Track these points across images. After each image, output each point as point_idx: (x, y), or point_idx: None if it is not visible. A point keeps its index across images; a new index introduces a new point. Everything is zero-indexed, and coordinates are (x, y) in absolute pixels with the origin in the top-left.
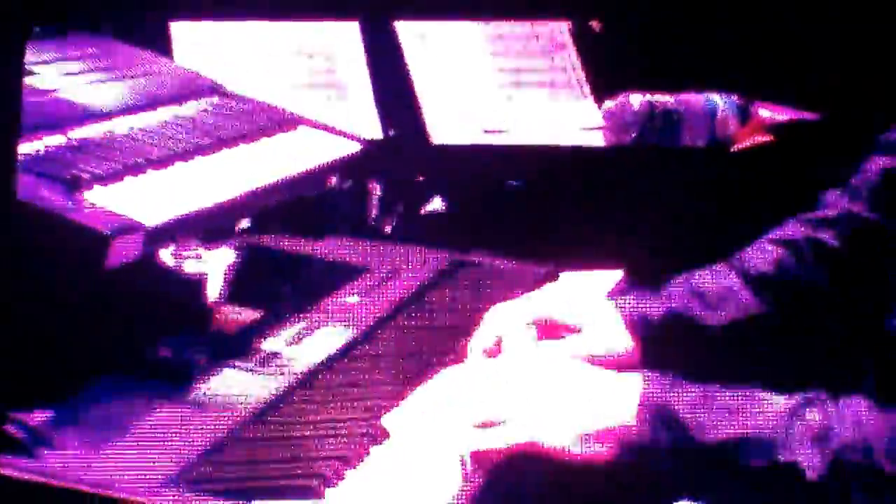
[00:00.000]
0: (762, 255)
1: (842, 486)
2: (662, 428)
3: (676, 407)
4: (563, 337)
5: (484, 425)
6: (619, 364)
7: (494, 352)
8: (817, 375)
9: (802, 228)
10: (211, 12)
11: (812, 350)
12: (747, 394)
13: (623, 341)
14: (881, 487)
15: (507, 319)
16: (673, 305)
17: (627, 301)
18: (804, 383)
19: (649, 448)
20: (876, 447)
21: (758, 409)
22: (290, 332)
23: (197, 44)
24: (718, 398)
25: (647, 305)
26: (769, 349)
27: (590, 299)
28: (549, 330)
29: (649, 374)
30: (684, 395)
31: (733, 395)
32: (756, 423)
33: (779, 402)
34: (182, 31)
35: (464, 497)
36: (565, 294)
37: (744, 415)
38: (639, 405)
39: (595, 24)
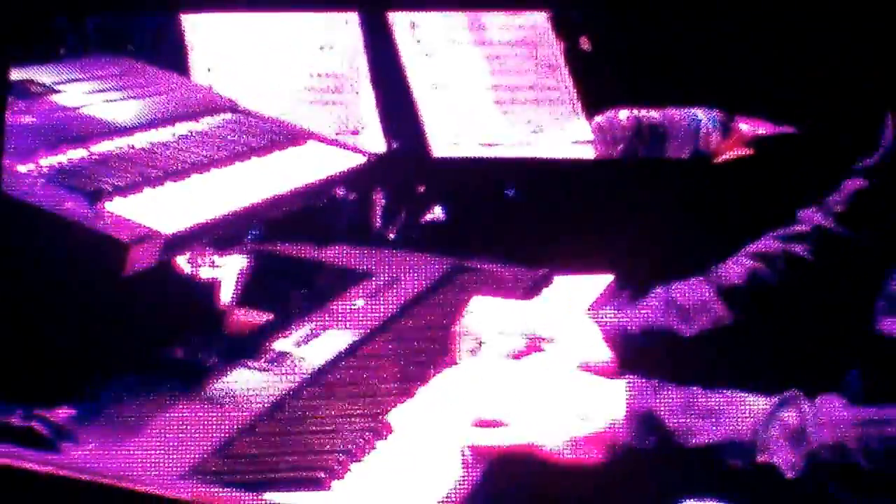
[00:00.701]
0: (737, 268)
1: (820, 484)
2: (648, 432)
3: (661, 412)
4: (541, 347)
5: (481, 424)
6: (596, 374)
7: (476, 350)
8: (790, 381)
9: (777, 243)
10: (216, 5)
11: (783, 357)
12: (727, 397)
13: (599, 352)
14: (860, 484)
15: (487, 322)
16: (650, 317)
17: (606, 313)
18: (778, 388)
19: (636, 451)
20: (852, 446)
21: (737, 412)
22: (298, 333)
23: (213, 67)
24: (700, 402)
25: (625, 317)
26: (741, 357)
27: (567, 311)
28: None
29: (633, 380)
30: (667, 400)
31: (714, 399)
32: (736, 426)
33: (757, 404)
34: (199, 55)
35: (461, 491)
36: (543, 305)
37: (724, 417)
38: (625, 411)
39: (585, 44)
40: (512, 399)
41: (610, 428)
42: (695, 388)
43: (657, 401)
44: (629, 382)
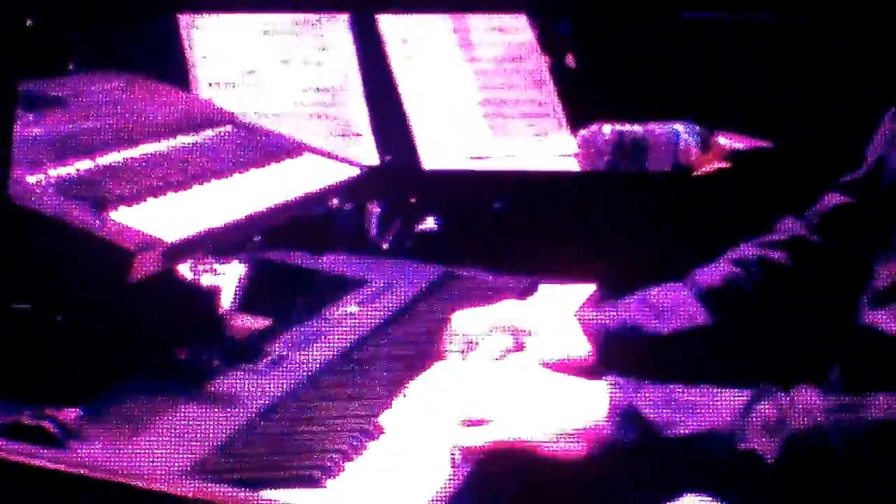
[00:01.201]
0: (715, 272)
1: (799, 469)
2: (630, 427)
3: (642, 407)
4: (523, 343)
5: (469, 423)
6: (577, 368)
7: (464, 352)
8: (765, 379)
9: (754, 249)
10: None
11: (758, 356)
12: (705, 391)
13: (580, 347)
14: (838, 469)
15: (472, 324)
16: (628, 316)
17: (588, 312)
18: (753, 384)
19: (619, 445)
20: (828, 431)
21: (715, 405)
22: (295, 338)
23: (214, 82)
24: (679, 397)
25: (605, 316)
26: (717, 355)
27: (549, 308)
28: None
29: (615, 378)
30: (648, 395)
31: (692, 394)
32: (715, 418)
33: (734, 398)
34: (201, 70)
35: (450, 489)
36: (527, 304)
37: (703, 411)
38: (608, 407)
39: (570, 61)
40: (497, 397)
41: (593, 423)
42: (674, 385)
43: (638, 396)
44: (610, 380)
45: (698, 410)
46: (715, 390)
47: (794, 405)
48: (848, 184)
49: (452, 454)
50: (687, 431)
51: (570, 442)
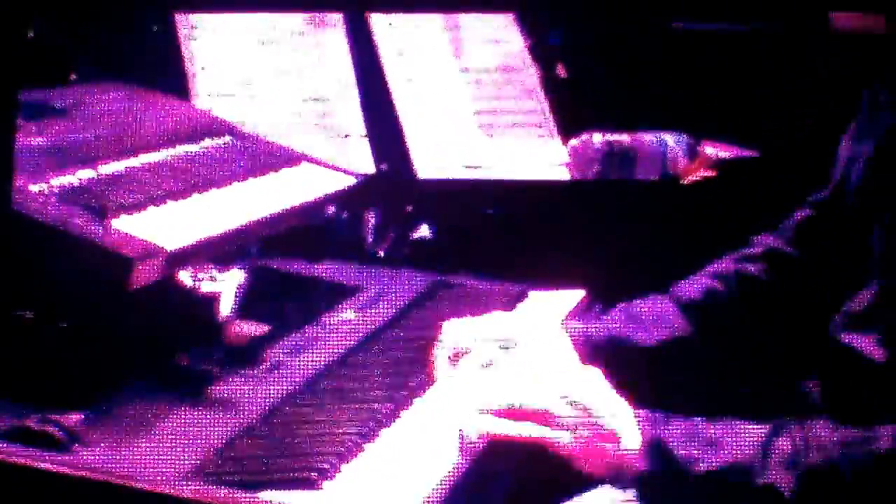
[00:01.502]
0: (695, 285)
1: (815, 500)
2: (657, 458)
3: (669, 441)
4: (512, 353)
5: (498, 414)
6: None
7: (455, 360)
8: (744, 386)
9: (731, 263)
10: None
11: (736, 365)
12: (727, 425)
13: (567, 358)
14: (851, 500)
15: (461, 333)
16: (613, 327)
17: (575, 323)
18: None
19: (645, 475)
20: (841, 465)
21: (737, 440)
22: (293, 343)
23: (213, 92)
24: (703, 432)
25: (592, 327)
26: (698, 366)
27: (537, 318)
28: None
29: (640, 412)
30: (675, 430)
31: (715, 428)
32: (735, 453)
33: (753, 432)
34: (200, 81)
35: (443, 492)
36: (516, 314)
37: (725, 445)
38: (640, 439)
39: (561, 71)
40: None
41: (623, 451)
42: (698, 419)
43: (666, 430)
44: (636, 413)
45: (720, 445)
46: (735, 425)
47: (808, 441)
48: (816, 201)
49: (463, 436)
50: (710, 467)
51: (595, 459)
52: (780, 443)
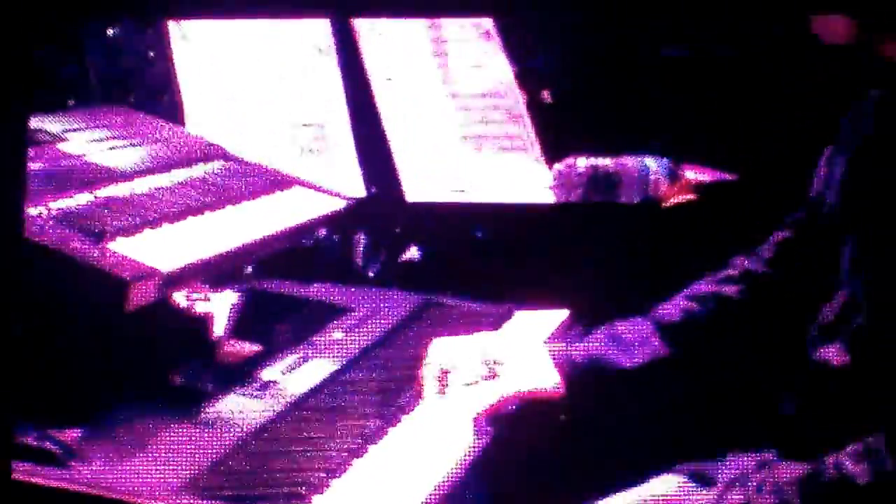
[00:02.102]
0: (674, 308)
1: None
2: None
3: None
4: (496, 372)
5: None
6: (548, 397)
7: (442, 380)
8: (720, 406)
9: (709, 286)
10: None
11: (714, 386)
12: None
13: (549, 378)
14: None
15: (447, 353)
16: (595, 349)
17: (557, 344)
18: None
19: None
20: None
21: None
22: (284, 362)
23: (207, 118)
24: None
25: (574, 348)
26: (676, 386)
27: (521, 339)
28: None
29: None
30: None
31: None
32: None
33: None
34: (193, 107)
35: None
36: (501, 335)
37: None
38: None
39: (546, 97)
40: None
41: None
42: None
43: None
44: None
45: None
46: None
47: (760, 488)
48: (793, 221)
49: (477, 420)
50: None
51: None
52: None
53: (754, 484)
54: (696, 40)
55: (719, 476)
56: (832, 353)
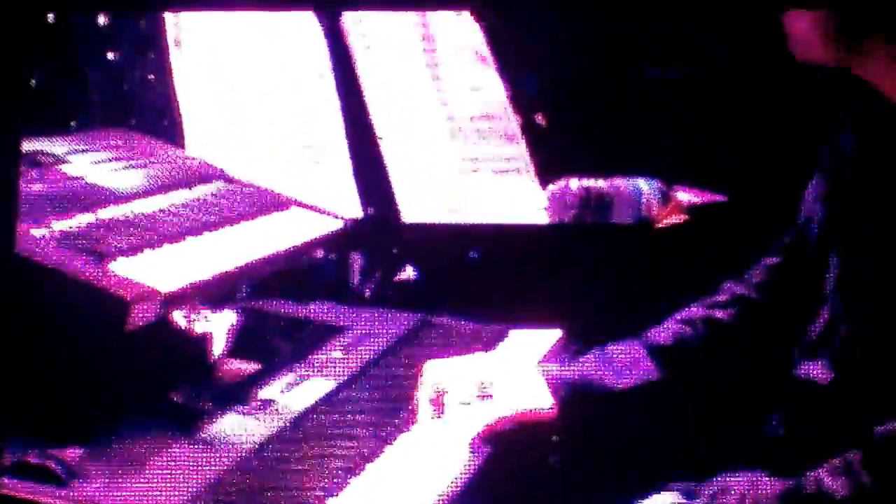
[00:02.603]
0: (665, 331)
1: None
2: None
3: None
4: (489, 393)
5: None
6: (541, 418)
7: (437, 401)
8: (710, 429)
9: (700, 309)
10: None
11: (704, 408)
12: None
13: (543, 399)
14: None
15: (442, 373)
16: (587, 371)
17: (551, 366)
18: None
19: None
20: None
21: None
22: (282, 382)
23: (206, 140)
24: None
25: (567, 370)
26: (666, 408)
27: (515, 360)
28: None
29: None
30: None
31: None
32: None
33: None
34: (193, 128)
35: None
36: (494, 355)
37: None
38: None
39: (540, 119)
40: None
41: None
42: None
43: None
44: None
45: None
46: None
47: (741, 502)
48: (782, 245)
49: (474, 440)
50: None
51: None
52: None
53: (735, 498)
54: (687, 62)
55: (708, 494)
56: (816, 371)
